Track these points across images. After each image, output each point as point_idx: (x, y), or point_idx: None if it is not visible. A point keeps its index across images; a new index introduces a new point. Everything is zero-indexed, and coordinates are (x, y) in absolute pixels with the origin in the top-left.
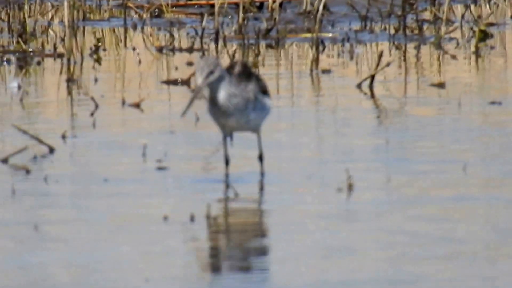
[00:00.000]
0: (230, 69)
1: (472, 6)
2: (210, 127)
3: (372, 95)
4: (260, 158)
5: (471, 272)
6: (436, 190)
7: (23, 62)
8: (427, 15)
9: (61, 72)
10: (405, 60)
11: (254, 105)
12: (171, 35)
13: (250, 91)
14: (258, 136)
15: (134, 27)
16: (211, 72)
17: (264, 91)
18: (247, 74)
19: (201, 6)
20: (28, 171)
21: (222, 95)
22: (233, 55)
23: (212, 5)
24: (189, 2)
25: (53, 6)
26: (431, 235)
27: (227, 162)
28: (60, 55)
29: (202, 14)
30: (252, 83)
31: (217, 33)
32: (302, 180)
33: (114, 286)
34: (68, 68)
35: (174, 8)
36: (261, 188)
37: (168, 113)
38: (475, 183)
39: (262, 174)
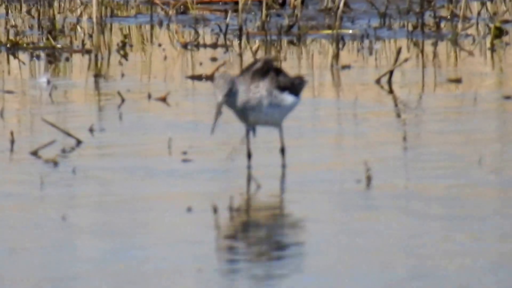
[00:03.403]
0: (251, 65)
1: (488, 4)
2: (233, 120)
3: (391, 90)
4: (282, 151)
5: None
6: (452, 181)
7: (52, 58)
8: (444, 13)
9: (89, 68)
10: (422, 56)
11: (269, 101)
12: (196, 32)
13: (263, 88)
14: (279, 130)
15: (160, 24)
16: (230, 90)
17: (285, 87)
18: (265, 70)
19: (225, 3)
20: (56, 163)
21: (238, 102)
22: (256, 51)
23: (236, 2)
24: (213, 0)
25: (81, 3)
26: (445, 226)
27: (249, 155)
28: (88, 51)
29: (226, 11)
30: (267, 80)
31: (240, 29)
32: (322, 171)
33: (141, 274)
34: (96, 64)
35: (199, 5)
36: (282, 180)
37: (193, 107)
38: (489, 172)
39: (283, 166)
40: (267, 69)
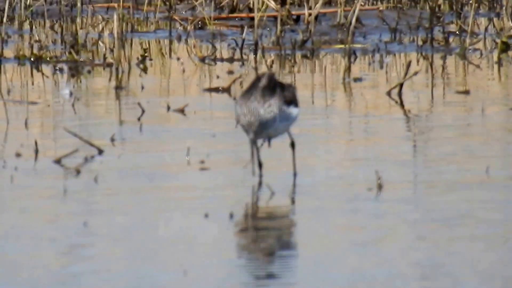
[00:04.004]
0: (256, 82)
1: (495, 20)
2: None
3: (401, 102)
4: (292, 145)
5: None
6: (461, 190)
7: (75, 71)
8: (453, 28)
9: (110, 80)
10: (432, 69)
11: (280, 117)
12: (213, 46)
13: (274, 106)
14: (288, 132)
15: (179, 39)
16: (259, 127)
17: (290, 101)
18: (272, 87)
19: (241, 19)
20: (79, 172)
21: (256, 123)
22: (271, 65)
23: (252, 18)
24: (230, 15)
25: (103, 19)
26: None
27: (260, 164)
28: (109, 65)
29: (242, 27)
30: (276, 97)
31: (256, 44)
32: (334, 180)
33: (156, 277)
34: (117, 77)
35: (216, 21)
36: (294, 188)
37: (210, 118)
38: (496, 182)
39: (294, 160)
40: (273, 86)
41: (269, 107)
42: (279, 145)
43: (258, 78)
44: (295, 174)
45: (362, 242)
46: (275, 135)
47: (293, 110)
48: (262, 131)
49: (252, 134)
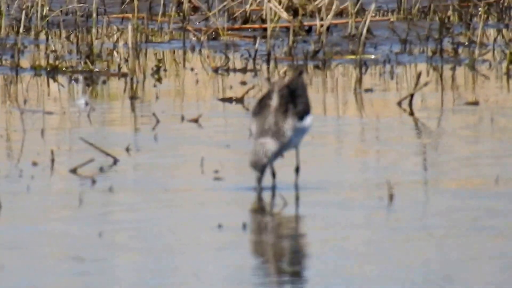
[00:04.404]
0: (267, 99)
1: (504, 31)
2: None
3: (411, 112)
4: (297, 170)
5: None
6: (471, 199)
7: (90, 81)
8: (462, 39)
9: (125, 90)
10: (441, 80)
11: (295, 134)
12: (226, 57)
13: (289, 129)
14: (297, 151)
15: (193, 49)
16: (264, 166)
17: (302, 114)
18: (284, 106)
19: (254, 29)
20: (94, 181)
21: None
22: (284, 75)
23: (265, 29)
24: (243, 26)
25: (118, 29)
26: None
27: (273, 174)
28: (124, 75)
29: (255, 37)
30: (289, 117)
31: (268, 54)
32: (345, 189)
33: (169, 286)
34: (132, 87)
35: (229, 32)
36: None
37: (224, 127)
38: (506, 192)
39: (296, 185)
40: (286, 103)
41: (284, 132)
42: (292, 153)
43: (269, 93)
44: (294, 204)
45: (373, 251)
46: (289, 149)
47: (306, 122)
48: (275, 158)
49: (260, 173)
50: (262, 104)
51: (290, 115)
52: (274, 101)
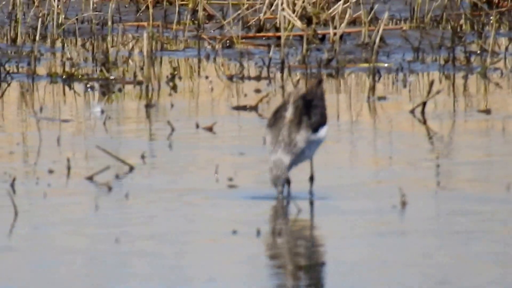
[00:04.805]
0: (282, 110)
1: None
2: None
3: (424, 120)
4: (311, 179)
5: None
6: (481, 207)
7: (106, 89)
8: (474, 48)
9: (140, 98)
10: (453, 88)
11: (308, 146)
12: (241, 65)
13: (302, 141)
14: (311, 160)
15: (207, 57)
16: (283, 181)
17: (317, 125)
18: (298, 118)
19: (268, 38)
20: (110, 188)
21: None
22: (297, 83)
23: (279, 37)
24: (257, 35)
25: (133, 38)
26: (478, 250)
27: (288, 182)
28: (140, 83)
29: (269, 46)
30: (303, 129)
31: (282, 63)
32: (358, 197)
33: None
34: (147, 95)
35: (244, 40)
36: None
37: (238, 135)
38: None
39: (311, 192)
40: (300, 116)
41: (296, 144)
42: (307, 163)
43: (284, 104)
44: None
45: (387, 258)
46: (304, 160)
47: (320, 134)
48: (291, 169)
49: (280, 187)
50: (278, 115)
51: (304, 127)
52: (289, 113)
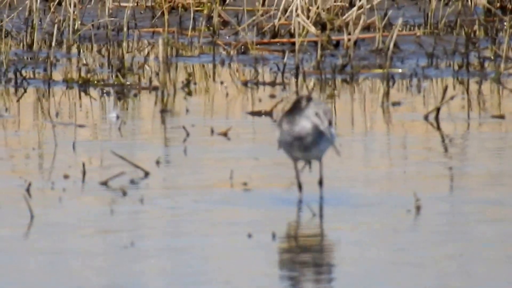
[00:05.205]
0: (297, 104)
1: None
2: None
3: (438, 126)
4: (320, 182)
5: None
6: (498, 214)
7: (121, 94)
8: (488, 53)
9: (155, 104)
10: (467, 94)
11: (326, 137)
12: (256, 70)
13: (324, 120)
14: (320, 163)
15: (222, 63)
16: (330, 122)
17: (330, 122)
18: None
19: (283, 44)
20: (125, 193)
21: (310, 135)
22: (312, 89)
23: (293, 43)
24: (272, 40)
25: (149, 43)
26: (493, 255)
27: (300, 186)
28: (155, 88)
29: (283, 51)
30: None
31: (297, 68)
32: (372, 201)
33: None
34: (162, 100)
35: (258, 46)
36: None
37: (253, 140)
38: None
39: (321, 197)
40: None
41: (318, 119)
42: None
43: (298, 101)
44: (320, 215)
45: (402, 263)
46: (315, 157)
47: (333, 131)
48: (310, 147)
49: (326, 123)
50: (292, 109)
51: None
52: (304, 103)
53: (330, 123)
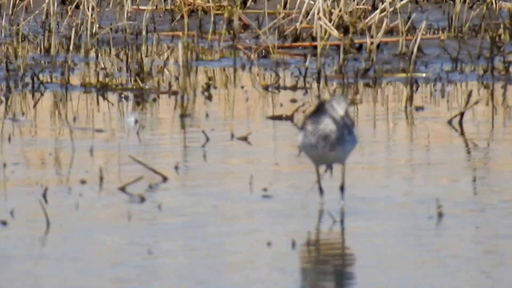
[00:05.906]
0: (321, 106)
1: None
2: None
3: (462, 131)
4: (342, 188)
5: None
6: None
7: (140, 99)
8: None
9: (175, 108)
10: (492, 98)
11: (350, 138)
12: (277, 75)
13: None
14: (343, 168)
15: (243, 67)
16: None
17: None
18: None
19: (304, 47)
20: (143, 199)
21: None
22: (334, 93)
23: (315, 47)
24: (293, 44)
25: (168, 47)
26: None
27: (321, 191)
28: (175, 93)
29: (305, 55)
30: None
31: (319, 72)
32: (394, 207)
33: None
34: (182, 104)
35: (279, 50)
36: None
37: (273, 145)
38: None
39: (342, 203)
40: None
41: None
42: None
43: (322, 103)
44: (341, 221)
45: (422, 271)
46: (338, 160)
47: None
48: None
49: (343, 110)
50: (315, 111)
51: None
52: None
53: (350, 119)
